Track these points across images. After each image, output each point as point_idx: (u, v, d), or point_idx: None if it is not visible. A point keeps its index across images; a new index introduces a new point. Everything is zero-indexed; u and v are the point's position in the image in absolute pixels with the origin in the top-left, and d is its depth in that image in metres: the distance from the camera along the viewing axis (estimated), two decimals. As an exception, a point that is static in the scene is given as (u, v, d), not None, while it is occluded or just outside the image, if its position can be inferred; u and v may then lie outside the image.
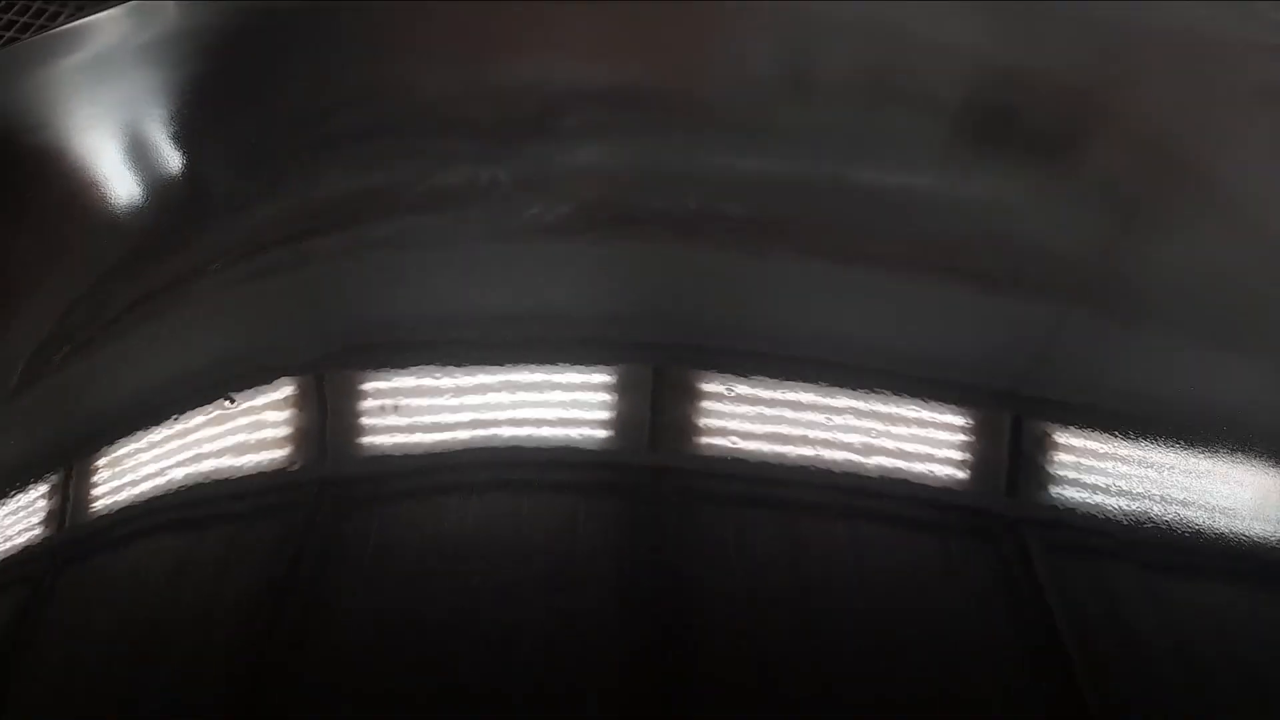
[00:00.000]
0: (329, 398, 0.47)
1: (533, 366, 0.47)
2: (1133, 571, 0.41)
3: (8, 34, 0.96)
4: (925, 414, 0.45)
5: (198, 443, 0.45)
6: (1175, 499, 0.42)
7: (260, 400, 0.47)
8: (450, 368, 0.47)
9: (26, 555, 0.44)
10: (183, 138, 0.67)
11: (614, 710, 0.38)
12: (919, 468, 0.44)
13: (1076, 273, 0.54)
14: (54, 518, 0.45)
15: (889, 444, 0.44)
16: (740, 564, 0.40)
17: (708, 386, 0.47)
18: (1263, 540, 0.42)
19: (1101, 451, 0.44)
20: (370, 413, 0.46)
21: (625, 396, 0.47)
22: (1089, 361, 0.49)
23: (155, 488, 0.44)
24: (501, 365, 0.48)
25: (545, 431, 0.45)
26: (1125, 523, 0.42)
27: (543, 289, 0.52)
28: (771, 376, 0.46)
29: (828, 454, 0.44)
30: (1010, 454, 0.44)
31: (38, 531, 0.44)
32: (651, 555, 0.41)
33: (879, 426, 0.45)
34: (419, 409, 0.46)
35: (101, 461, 0.46)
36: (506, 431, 0.45)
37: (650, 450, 0.45)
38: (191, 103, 0.70)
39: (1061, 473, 0.44)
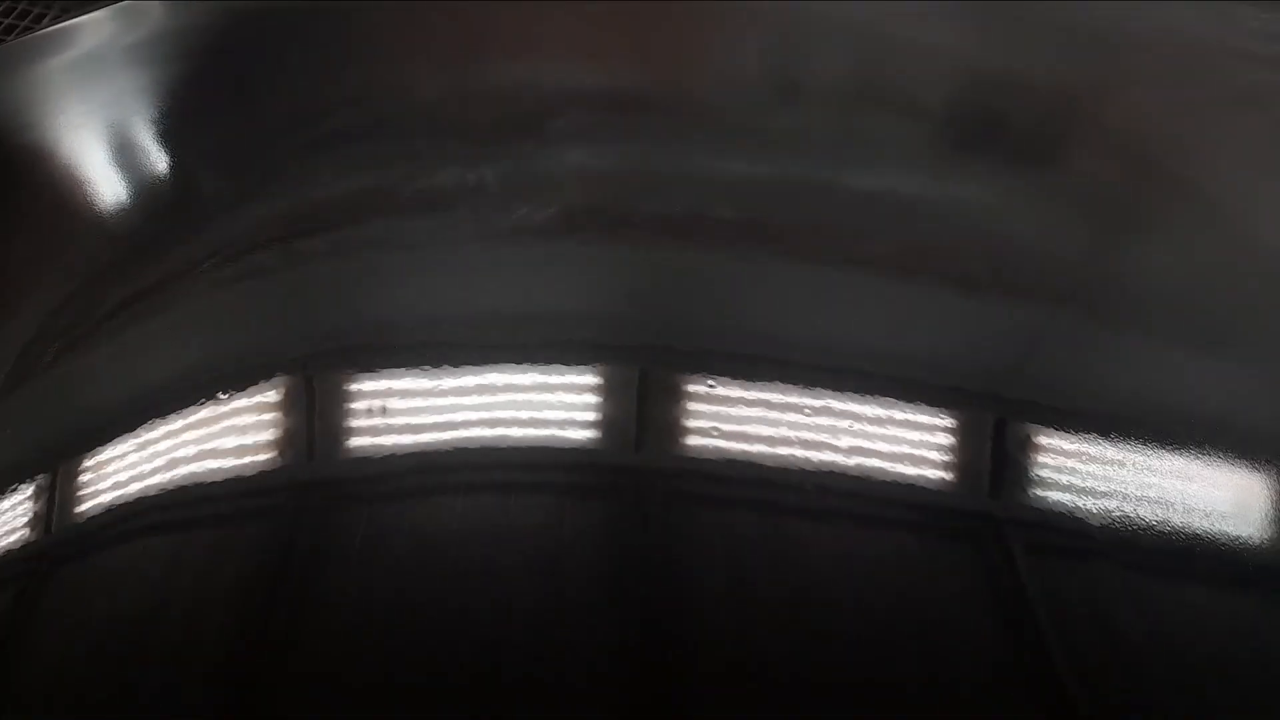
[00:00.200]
0: (316, 398, 0.47)
1: (519, 368, 0.47)
2: (1116, 573, 0.41)
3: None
4: (910, 415, 0.45)
5: (186, 443, 0.45)
6: (1158, 500, 0.42)
7: (247, 401, 0.47)
8: (437, 369, 0.48)
9: (15, 555, 0.44)
10: (171, 138, 0.67)
11: (601, 708, 0.38)
12: (904, 469, 0.44)
13: (1061, 276, 0.54)
14: (42, 517, 0.45)
15: (874, 445, 0.44)
16: (726, 565, 0.40)
17: (694, 388, 0.47)
18: (1244, 542, 0.42)
19: (1085, 453, 0.44)
20: (357, 414, 0.46)
21: (611, 398, 0.47)
22: (1073, 364, 0.49)
23: (144, 488, 0.44)
24: (488, 366, 0.48)
25: (531, 432, 0.45)
26: (1108, 524, 0.42)
27: (530, 290, 0.52)
28: (758, 378, 0.46)
29: (814, 455, 0.44)
30: (994, 455, 0.45)
31: (26, 531, 0.44)
32: (637, 556, 0.42)
33: (864, 428, 0.45)
34: (406, 410, 0.46)
35: (90, 461, 0.46)
36: (493, 432, 0.45)
37: (636, 451, 0.46)
38: (179, 103, 0.70)
39: (1045, 474, 0.44)
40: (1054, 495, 0.43)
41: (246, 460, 0.45)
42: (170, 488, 0.44)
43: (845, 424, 0.45)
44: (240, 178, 0.62)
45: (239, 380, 0.47)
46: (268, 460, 0.45)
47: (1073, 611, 0.40)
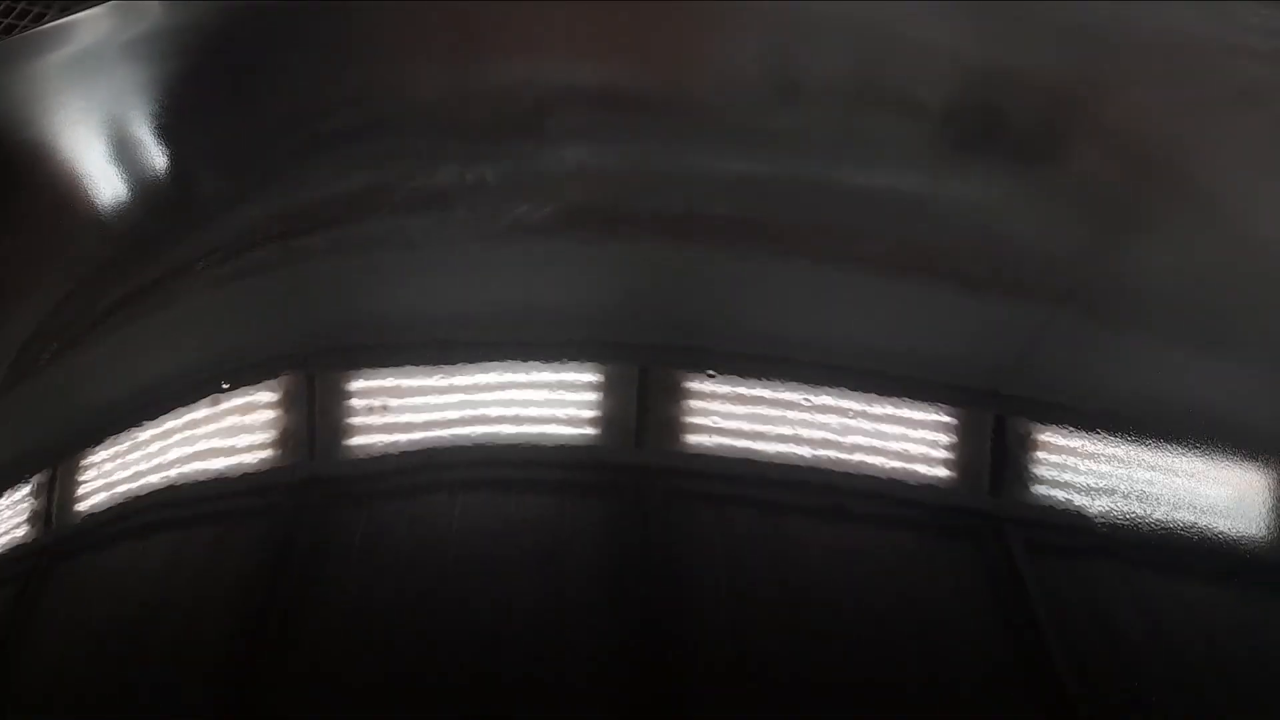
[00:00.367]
0: (316, 396, 0.47)
1: (519, 366, 0.48)
2: (1115, 570, 0.41)
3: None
4: (909, 413, 0.45)
5: (185, 441, 0.45)
6: (1157, 498, 0.42)
7: (246, 398, 0.47)
8: (437, 367, 0.48)
9: (14, 552, 0.44)
10: (169, 135, 0.66)
11: (600, 706, 0.38)
12: (903, 466, 0.44)
13: (1060, 274, 0.54)
14: (41, 515, 0.45)
15: (873, 443, 0.44)
16: (725, 561, 0.40)
17: (693, 385, 0.47)
18: (1244, 539, 0.42)
19: (1084, 451, 0.44)
20: (357, 411, 0.46)
21: (611, 395, 0.47)
22: (1072, 362, 0.49)
23: (143, 485, 0.44)
24: (488, 364, 0.48)
25: (531, 430, 0.45)
26: (1107, 521, 0.42)
27: (528, 288, 0.52)
28: (757, 376, 0.46)
29: (812, 453, 0.44)
30: (994, 453, 0.45)
31: (25, 529, 0.44)
32: (637, 553, 0.42)
33: (863, 425, 0.45)
34: (406, 408, 0.46)
35: (89, 459, 0.46)
36: (492, 430, 0.45)
37: (636, 449, 0.46)
38: (177, 101, 0.70)
39: (1044, 472, 0.44)
40: (1053, 493, 0.43)
41: (246, 458, 0.45)
42: (169, 485, 0.44)
43: (844, 422, 0.45)
44: (238, 176, 0.62)
45: (238, 378, 0.47)
46: (267, 458, 0.45)
47: (1072, 609, 0.40)
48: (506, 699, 0.38)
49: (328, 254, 0.57)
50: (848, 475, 0.44)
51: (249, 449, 0.45)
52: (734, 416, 0.45)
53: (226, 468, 0.44)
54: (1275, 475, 0.44)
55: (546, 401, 0.46)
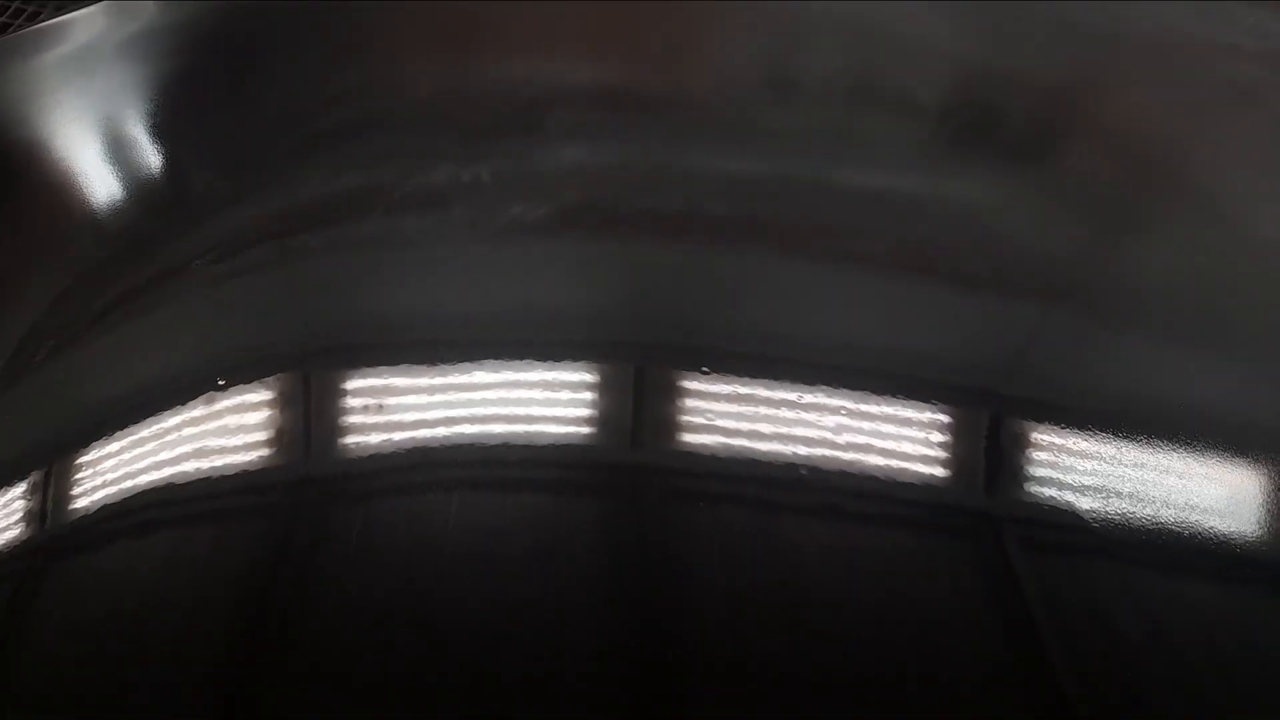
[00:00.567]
0: (312, 396, 0.47)
1: (515, 365, 0.48)
2: (1113, 569, 0.41)
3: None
4: (906, 412, 0.45)
5: (181, 440, 0.45)
6: (1153, 497, 0.43)
7: (242, 398, 0.46)
8: (433, 366, 0.48)
9: (10, 551, 0.44)
10: (164, 134, 0.66)
11: (597, 704, 0.38)
12: (899, 465, 0.44)
13: (1056, 273, 0.54)
14: (37, 514, 0.45)
15: (869, 442, 0.44)
16: (722, 560, 0.40)
17: (689, 384, 0.47)
18: (1241, 538, 0.42)
19: (1081, 450, 0.44)
20: (353, 410, 0.46)
21: (607, 395, 0.47)
22: (1069, 361, 0.50)
23: (139, 484, 0.44)
24: (484, 363, 0.48)
25: (527, 429, 0.45)
26: (1104, 520, 0.42)
27: (525, 287, 0.52)
28: (753, 375, 0.46)
29: (809, 451, 0.44)
30: (990, 452, 0.45)
31: (21, 528, 0.44)
32: (634, 552, 0.42)
33: (859, 424, 0.45)
34: (402, 407, 0.46)
35: (84, 458, 0.46)
36: (489, 429, 0.45)
37: (632, 448, 0.46)
38: (172, 100, 0.70)
39: (1041, 471, 0.44)
40: (1050, 492, 0.43)
41: (242, 456, 0.45)
42: (165, 484, 0.44)
43: (840, 421, 0.45)
44: (234, 174, 0.62)
45: (234, 376, 0.47)
46: (263, 456, 0.45)
47: (1069, 608, 0.40)
48: (503, 698, 0.38)
49: (324, 253, 0.57)
50: (844, 474, 0.43)
51: (245, 448, 0.45)
52: (730, 415, 0.45)
53: (223, 466, 0.44)
54: (1272, 474, 0.44)
55: (542, 401, 0.46)
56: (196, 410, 0.46)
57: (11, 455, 0.48)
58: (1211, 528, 0.42)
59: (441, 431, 0.46)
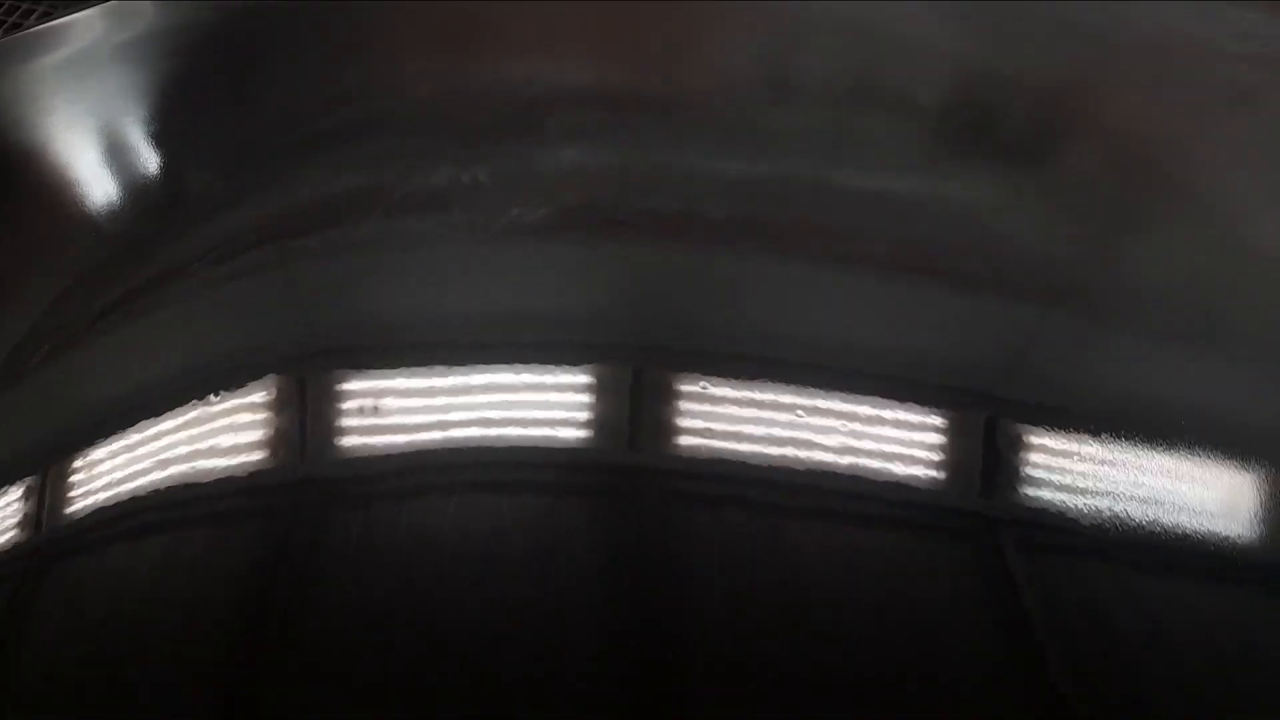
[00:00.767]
0: (309, 398, 0.47)
1: (513, 367, 0.47)
2: (1111, 572, 0.41)
3: None
4: (904, 414, 0.45)
5: (178, 443, 0.45)
6: (1150, 499, 0.42)
7: (239, 400, 0.46)
8: (431, 368, 0.48)
9: (7, 554, 0.44)
10: (162, 137, 0.66)
11: (595, 707, 0.38)
12: (898, 468, 0.44)
13: (1055, 275, 0.54)
14: (34, 517, 0.45)
15: (868, 444, 0.44)
16: (720, 563, 0.40)
17: (688, 387, 0.47)
18: (1239, 541, 0.43)
19: (1078, 452, 0.44)
20: (350, 413, 0.46)
21: (605, 397, 0.47)
22: (1067, 363, 0.49)
23: (136, 487, 0.44)
24: (482, 366, 0.48)
25: (525, 432, 0.45)
26: (1101, 523, 0.42)
27: (524, 289, 0.52)
28: (752, 377, 0.46)
29: (807, 454, 0.44)
30: (987, 454, 0.45)
31: (18, 531, 0.44)
32: (631, 555, 0.42)
33: (857, 427, 0.45)
34: (399, 409, 0.46)
35: (82, 460, 0.46)
36: (486, 432, 0.45)
37: (630, 450, 0.46)
38: (170, 101, 0.70)
39: (1038, 473, 0.44)
40: (1048, 494, 0.43)
41: (238, 459, 0.45)
42: (162, 487, 0.44)
43: (838, 423, 0.45)
44: (232, 177, 0.62)
45: (231, 379, 0.47)
46: (259, 460, 0.45)
47: (1068, 610, 0.40)
48: (502, 700, 0.38)
49: (323, 254, 0.57)
50: (842, 477, 0.43)
51: (242, 450, 0.45)
52: (728, 418, 0.45)
53: (219, 469, 0.44)
54: (1271, 477, 0.44)
55: (540, 403, 0.46)
56: (194, 413, 0.46)
57: (10, 457, 0.48)
58: (1210, 530, 0.42)
59: (440, 433, 0.46)
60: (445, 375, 0.47)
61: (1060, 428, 0.45)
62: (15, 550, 0.44)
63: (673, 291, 0.53)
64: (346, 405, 0.46)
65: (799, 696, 0.37)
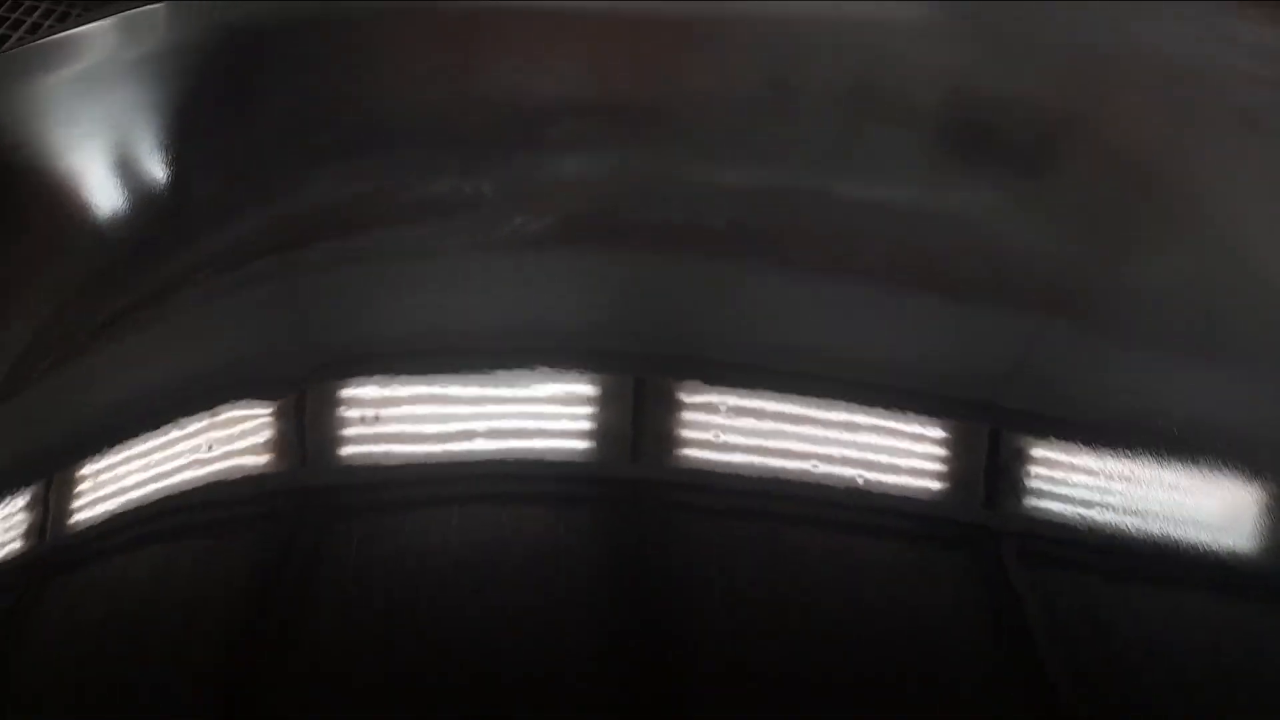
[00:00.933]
0: (311, 409, 0.47)
1: (516, 378, 0.47)
2: (1109, 583, 0.41)
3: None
4: (907, 425, 0.45)
5: (180, 454, 0.45)
6: (1150, 511, 0.42)
7: (240, 410, 0.46)
8: (433, 379, 0.48)
9: (9, 564, 0.44)
10: (167, 148, 0.67)
11: (596, 714, 0.38)
12: (899, 479, 0.44)
13: (1057, 287, 0.54)
14: (36, 528, 0.45)
15: (869, 455, 0.44)
16: (721, 574, 0.40)
17: (690, 398, 0.47)
18: (1239, 553, 0.43)
19: (1081, 464, 0.44)
20: (352, 424, 0.46)
21: (607, 408, 0.47)
22: (1068, 373, 0.49)
23: (139, 498, 0.44)
24: (484, 377, 0.48)
25: (527, 443, 0.45)
26: (1102, 534, 0.42)
27: (526, 300, 0.52)
28: (753, 388, 0.46)
29: (809, 465, 0.44)
30: (989, 465, 0.45)
31: (20, 540, 0.44)
32: (633, 566, 0.42)
33: (860, 438, 0.45)
34: (401, 419, 0.46)
35: (84, 471, 0.45)
36: (488, 443, 0.45)
37: (632, 462, 0.46)
38: (175, 112, 0.70)
39: (1040, 484, 0.44)
40: (1049, 505, 0.43)
41: (240, 469, 0.45)
42: (164, 498, 0.44)
43: (841, 434, 0.45)
44: (236, 188, 0.62)
45: (233, 390, 0.47)
46: (261, 469, 0.45)
47: (1068, 622, 0.40)
48: (502, 708, 0.37)
49: (325, 265, 0.57)
50: (844, 488, 0.43)
51: (243, 459, 0.45)
52: (731, 429, 0.45)
53: (221, 479, 0.44)
54: (1270, 488, 0.44)
55: (542, 413, 0.46)
56: (196, 423, 0.46)
57: (13, 467, 0.47)
58: (1212, 542, 0.42)
59: (440, 445, 0.46)
60: (447, 386, 0.47)
61: (1062, 439, 0.45)
62: (20, 558, 0.44)
63: (675, 301, 0.53)
64: (348, 415, 0.46)
65: (800, 706, 0.37)
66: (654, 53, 0.70)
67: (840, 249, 0.56)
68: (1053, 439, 0.45)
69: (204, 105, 0.70)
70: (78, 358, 0.53)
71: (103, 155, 0.67)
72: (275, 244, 0.58)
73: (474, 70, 0.68)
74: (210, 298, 0.55)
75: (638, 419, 0.46)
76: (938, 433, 0.46)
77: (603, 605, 0.40)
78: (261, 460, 0.45)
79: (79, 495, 0.45)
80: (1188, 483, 0.44)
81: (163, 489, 0.44)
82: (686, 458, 0.45)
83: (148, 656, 0.40)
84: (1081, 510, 0.42)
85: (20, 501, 0.45)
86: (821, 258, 0.55)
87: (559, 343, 0.50)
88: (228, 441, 0.45)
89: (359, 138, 0.64)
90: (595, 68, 0.69)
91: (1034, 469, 0.44)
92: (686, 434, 0.46)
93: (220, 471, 0.44)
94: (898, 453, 0.44)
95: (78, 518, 0.44)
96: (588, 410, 0.47)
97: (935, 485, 0.44)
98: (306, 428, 0.47)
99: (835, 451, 0.44)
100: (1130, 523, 0.42)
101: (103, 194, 0.64)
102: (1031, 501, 0.43)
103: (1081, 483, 0.43)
